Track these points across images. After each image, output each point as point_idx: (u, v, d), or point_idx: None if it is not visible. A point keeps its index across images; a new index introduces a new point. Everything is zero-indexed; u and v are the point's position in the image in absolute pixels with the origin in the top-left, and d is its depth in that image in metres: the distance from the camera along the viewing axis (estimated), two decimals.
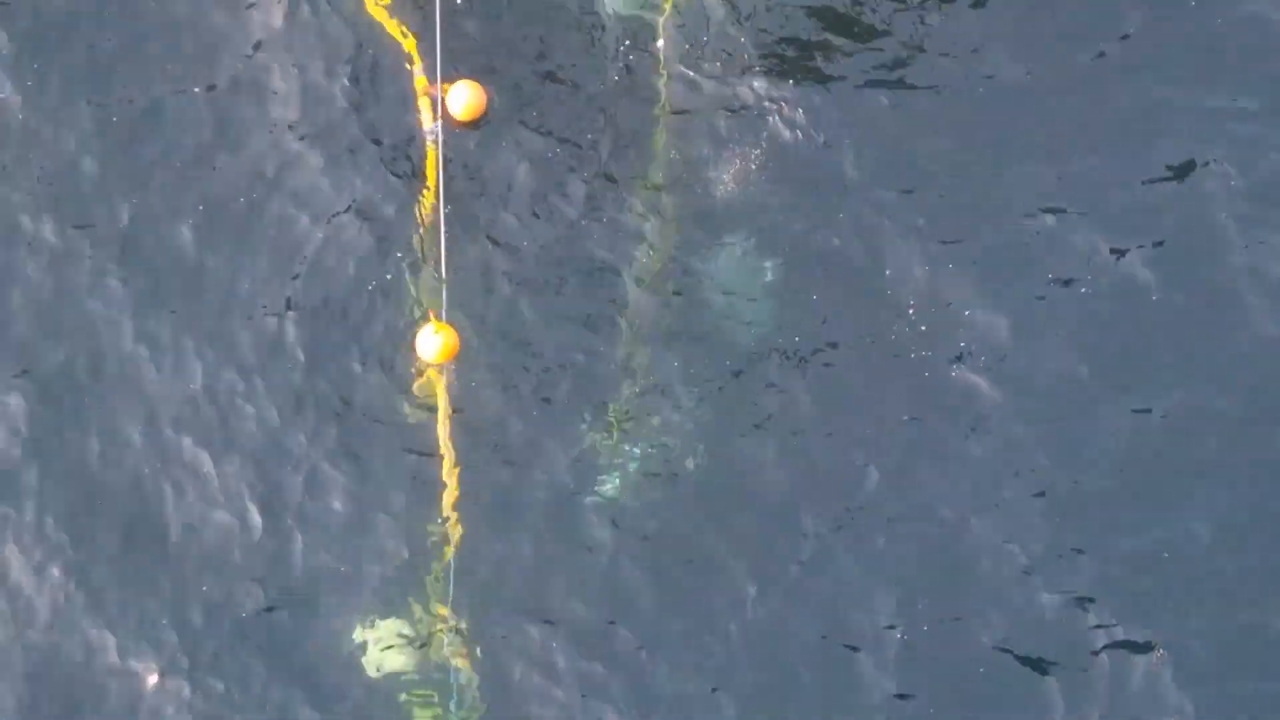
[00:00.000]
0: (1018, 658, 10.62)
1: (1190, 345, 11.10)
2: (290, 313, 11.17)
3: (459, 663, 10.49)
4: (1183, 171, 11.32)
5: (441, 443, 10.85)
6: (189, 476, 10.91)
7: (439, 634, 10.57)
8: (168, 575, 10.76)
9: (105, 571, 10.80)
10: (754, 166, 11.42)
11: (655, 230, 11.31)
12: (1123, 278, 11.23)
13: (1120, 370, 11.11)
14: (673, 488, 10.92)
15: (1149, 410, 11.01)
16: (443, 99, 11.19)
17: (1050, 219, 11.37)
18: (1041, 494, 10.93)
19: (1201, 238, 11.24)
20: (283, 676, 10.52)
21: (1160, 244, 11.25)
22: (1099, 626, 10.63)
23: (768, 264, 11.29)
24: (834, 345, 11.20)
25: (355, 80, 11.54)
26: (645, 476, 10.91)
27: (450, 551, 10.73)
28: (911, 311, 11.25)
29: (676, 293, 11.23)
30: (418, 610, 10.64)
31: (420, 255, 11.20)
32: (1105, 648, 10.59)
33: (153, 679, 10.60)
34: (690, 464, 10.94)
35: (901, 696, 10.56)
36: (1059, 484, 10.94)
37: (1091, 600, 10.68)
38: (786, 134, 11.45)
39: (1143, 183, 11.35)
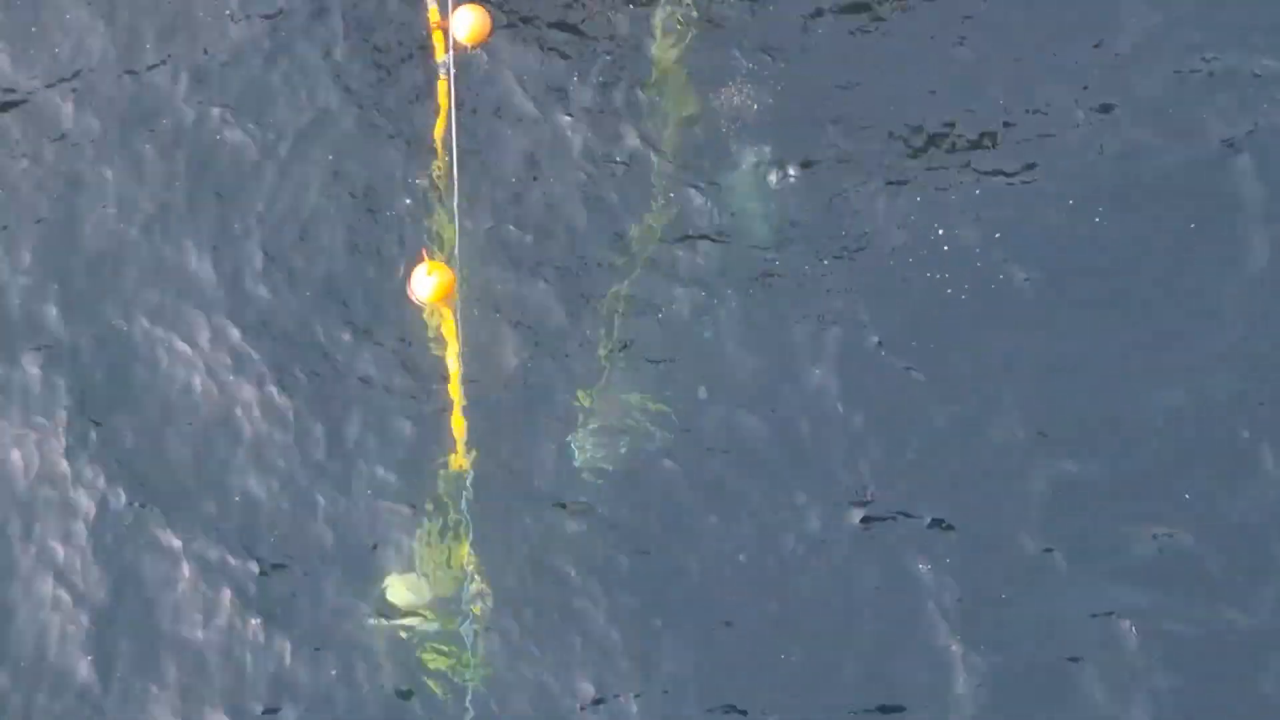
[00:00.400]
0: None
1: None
2: (297, 252, 11.18)
3: (474, 609, 10.42)
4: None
5: (451, 384, 10.82)
6: (190, 419, 10.94)
7: (453, 581, 10.49)
8: (173, 523, 10.76)
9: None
10: (765, 82, 11.38)
11: (666, 150, 11.30)
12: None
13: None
14: (687, 423, 10.77)
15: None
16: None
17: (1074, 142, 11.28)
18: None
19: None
20: (293, 629, 10.46)
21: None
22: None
23: (778, 177, 11.24)
24: (850, 265, 11.07)
25: (365, 15, 11.57)
26: (657, 410, 10.79)
27: (461, 477, 10.67)
28: (939, 230, 11.09)
29: (684, 213, 11.17)
30: (431, 558, 10.55)
31: (431, 191, 11.20)
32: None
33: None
34: (703, 392, 10.82)
35: (910, 668, 10.30)
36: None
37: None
38: (798, 50, 11.43)
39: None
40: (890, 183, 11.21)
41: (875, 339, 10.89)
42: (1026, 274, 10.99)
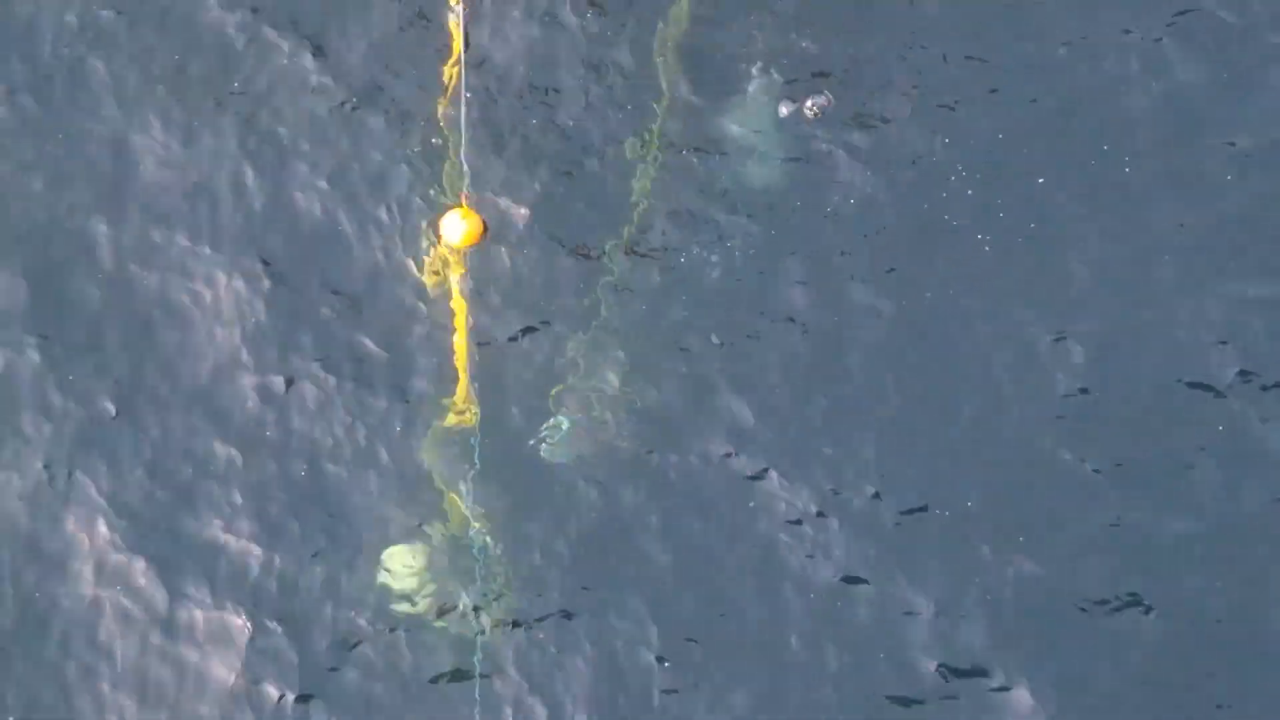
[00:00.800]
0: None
1: None
2: (311, 197, 11.11)
3: (486, 539, 10.41)
4: None
5: (458, 328, 10.78)
6: (193, 372, 10.84)
7: (461, 520, 10.50)
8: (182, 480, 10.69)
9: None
10: (778, 10, 11.39)
11: (676, 79, 11.27)
12: None
13: None
14: (699, 356, 10.77)
15: None
16: None
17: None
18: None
19: None
20: (303, 578, 10.39)
21: None
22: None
23: (789, 109, 11.15)
24: (863, 207, 11.02)
25: None
26: (665, 349, 10.80)
27: (471, 420, 10.62)
28: (961, 170, 11.01)
29: (692, 148, 11.17)
30: (440, 500, 10.56)
31: (443, 136, 11.18)
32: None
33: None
34: (715, 338, 10.80)
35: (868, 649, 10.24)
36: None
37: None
38: None
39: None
40: (907, 116, 11.12)
41: (885, 289, 10.83)
42: (1053, 224, 10.86)
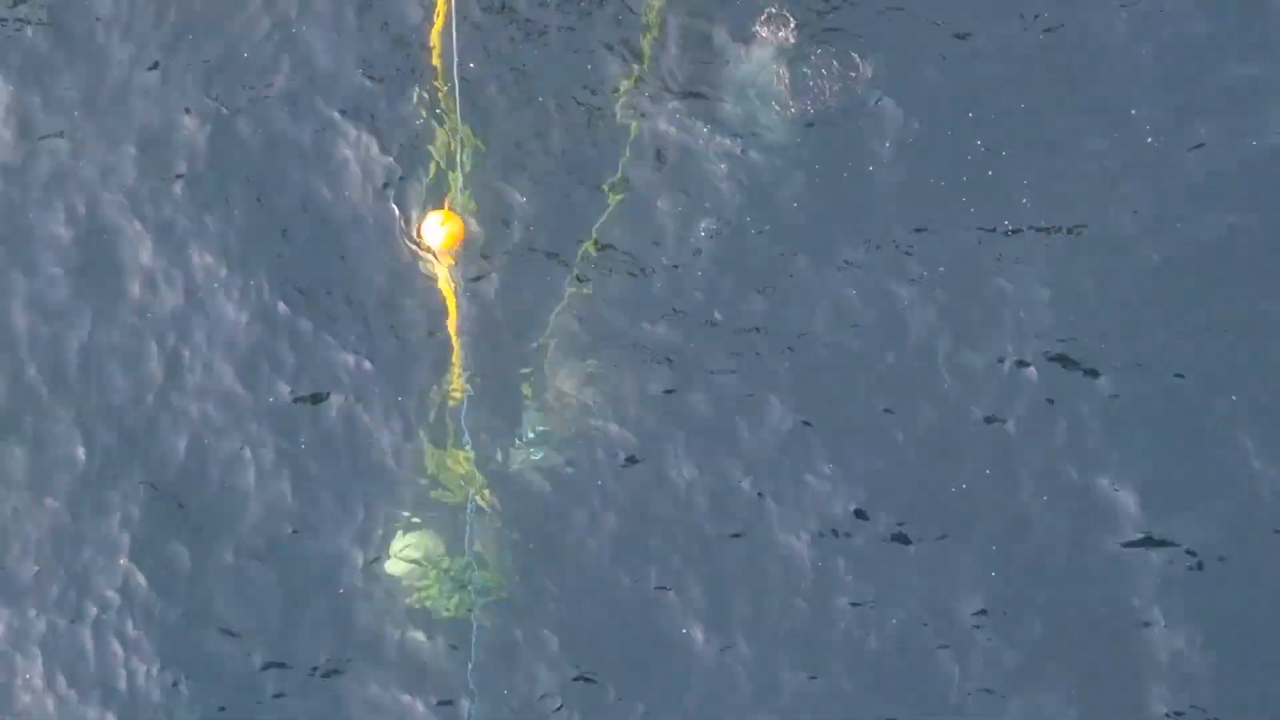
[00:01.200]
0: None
1: None
2: (303, 193, 11.07)
3: (481, 500, 10.47)
4: None
5: (447, 305, 10.79)
6: (195, 362, 10.88)
7: (458, 509, 10.54)
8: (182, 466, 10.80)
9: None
10: None
11: (672, 47, 11.08)
12: None
13: None
14: (704, 325, 10.72)
15: None
16: None
17: None
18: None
19: None
20: (301, 559, 10.50)
21: None
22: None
23: (793, 80, 10.93)
24: (876, 182, 10.80)
25: None
26: (667, 315, 10.71)
27: (461, 394, 10.67)
28: (980, 145, 10.80)
29: (691, 122, 10.95)
30: (435, 485, 10.61)
31: (432, 104, 11.11)
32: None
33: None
34: (718, 314, 10.69)
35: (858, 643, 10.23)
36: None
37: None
38: None
39: None
40: (927, 80, 10.92)
41: (888, 274, 10.68)
42: (1079, 209, 10.68)
